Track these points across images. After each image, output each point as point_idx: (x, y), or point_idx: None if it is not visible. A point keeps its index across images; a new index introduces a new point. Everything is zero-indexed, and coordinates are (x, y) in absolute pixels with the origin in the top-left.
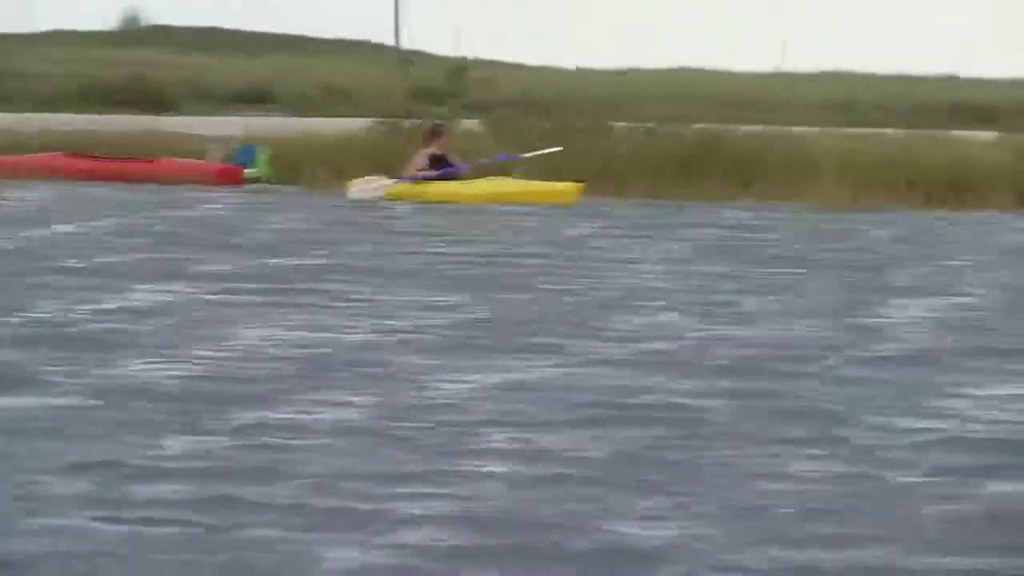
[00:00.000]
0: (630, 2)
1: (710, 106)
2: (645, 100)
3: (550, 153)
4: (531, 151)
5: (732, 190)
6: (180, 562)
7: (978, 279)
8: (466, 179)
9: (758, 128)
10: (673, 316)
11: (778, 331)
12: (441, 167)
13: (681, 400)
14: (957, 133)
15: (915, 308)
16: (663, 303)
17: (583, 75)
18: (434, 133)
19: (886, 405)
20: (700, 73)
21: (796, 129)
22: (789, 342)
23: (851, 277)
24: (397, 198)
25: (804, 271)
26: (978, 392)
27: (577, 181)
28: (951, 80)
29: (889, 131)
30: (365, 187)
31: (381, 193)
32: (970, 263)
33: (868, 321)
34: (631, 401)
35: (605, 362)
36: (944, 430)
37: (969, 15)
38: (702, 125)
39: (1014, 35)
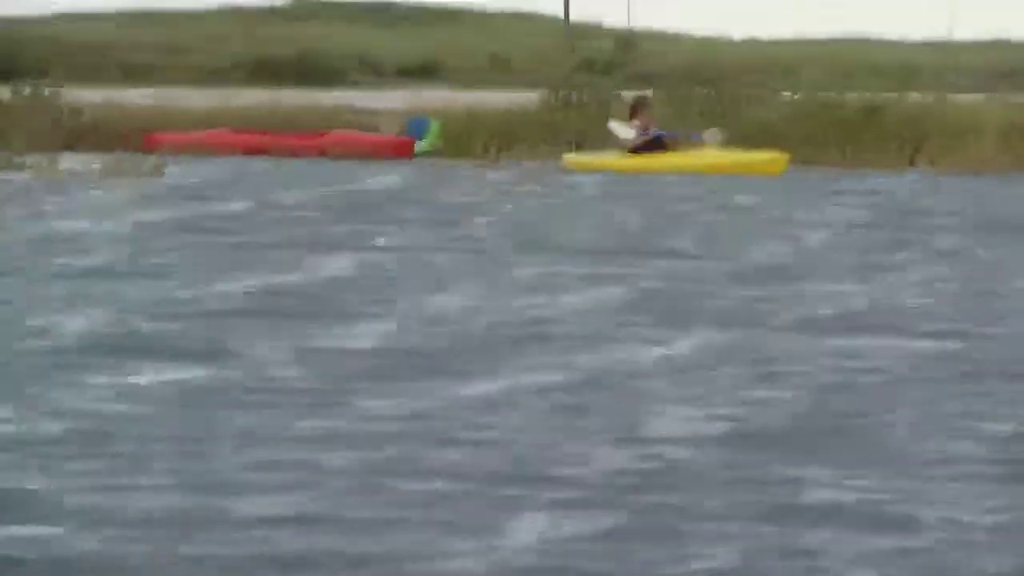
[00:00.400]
0: None
1: (876, 75)
2: (812, 68)
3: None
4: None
5: (896, 158)
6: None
7: None
8: (674, 151)
9: (923, 96)
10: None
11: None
12: (647, 140)
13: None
14: None
15: None
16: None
17: (749, 45)
18: (636, 106)
19: None
20: (867, 42)
21: (962, 97)
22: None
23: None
24: (601, 168)
25: (969, 237)
26: None
27: (782, 151)
28: None
29: None
30: (620, 131)
31: (631, 136)
32: None
33: None
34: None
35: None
36: None
37: None
38: (867, 93)
39: None
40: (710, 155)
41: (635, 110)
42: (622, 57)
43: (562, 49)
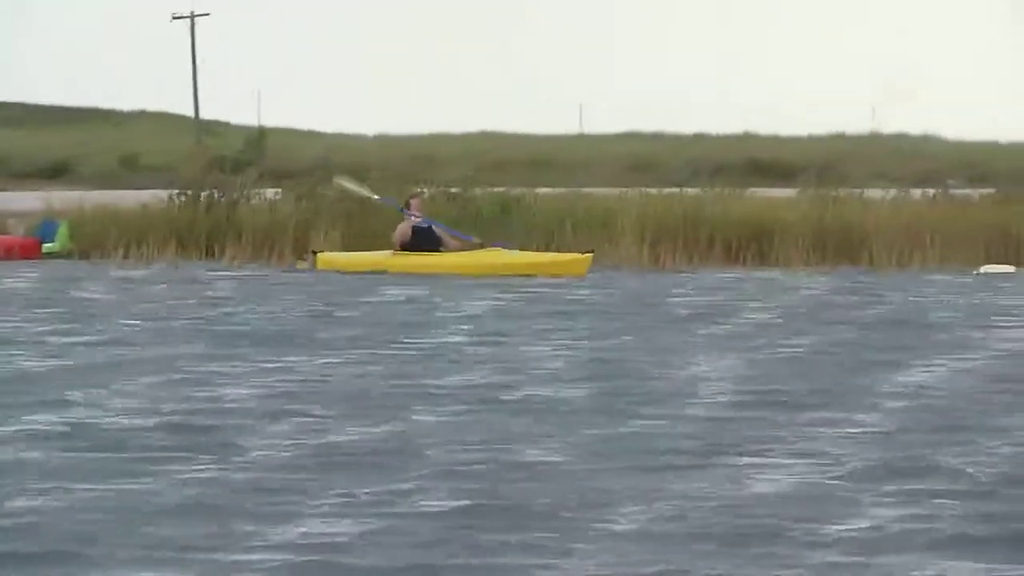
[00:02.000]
0: (429, 69)
1: (512, 169)
2: (447, 164)
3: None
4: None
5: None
6: None
7: (779, 334)
8: (454, 250)
9: (559, 190)
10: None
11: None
12: (426, 237)
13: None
14: (755, 191)
15: (727, 360)
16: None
17: (382, 141)
18: (408, 202)
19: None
20: (501, 136)
21: (597, 190)
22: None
23: (659, 331)
24: (383, 270)
25: (616, 324)
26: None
27: (586, 252)
28: (748, 138)
29: (688, 190)
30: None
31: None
32: (772, 318)
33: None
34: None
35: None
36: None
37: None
38: (502, 188)
39: (808, 93)
40: (509, 254)
41: (408, 207)
42: (252, 154)
43: (193, 147)
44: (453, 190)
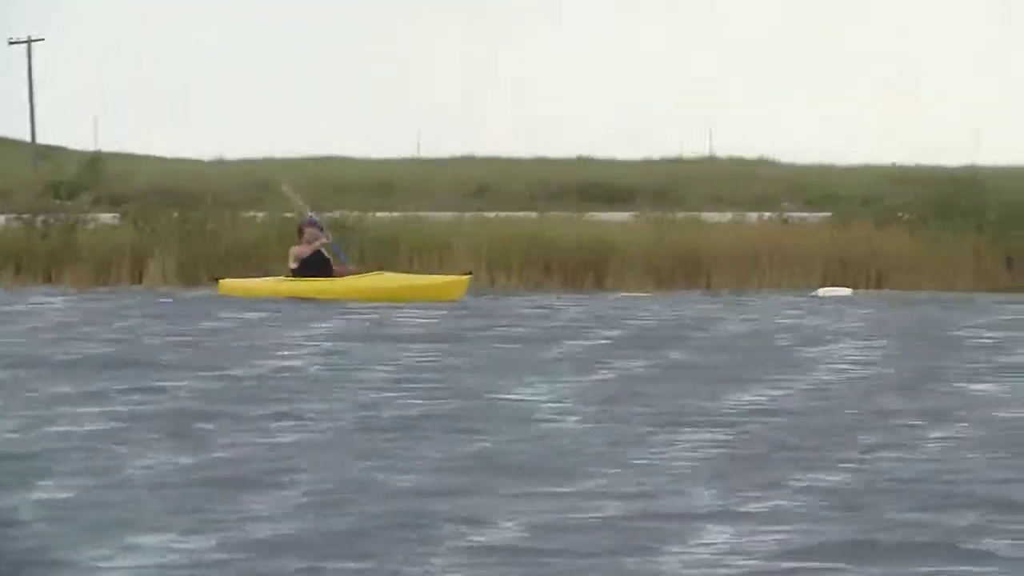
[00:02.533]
0: (267, 93)
1: (351, 193)
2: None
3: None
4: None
5: None
6: None
7: (616, 358)
8: (347, 274)
9: (394, 215)
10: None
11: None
12: (319, 262)
13: None
14: (593, 215)
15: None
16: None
17: (220, 166)
18: (301, 229)
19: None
20: (340, 161)
21: (435, 214)
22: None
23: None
24: (272, 295)
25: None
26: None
27: (464, 273)
28: (585, 161)
29: (526, 214)
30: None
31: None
32: (607, 341)
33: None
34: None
35: None
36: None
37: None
38: (338, 212)
39: (641, 118)
40: (387, 278)
41: (300, 232)
42: (88, 179)
43: (29, 172)
44: (288, 215)
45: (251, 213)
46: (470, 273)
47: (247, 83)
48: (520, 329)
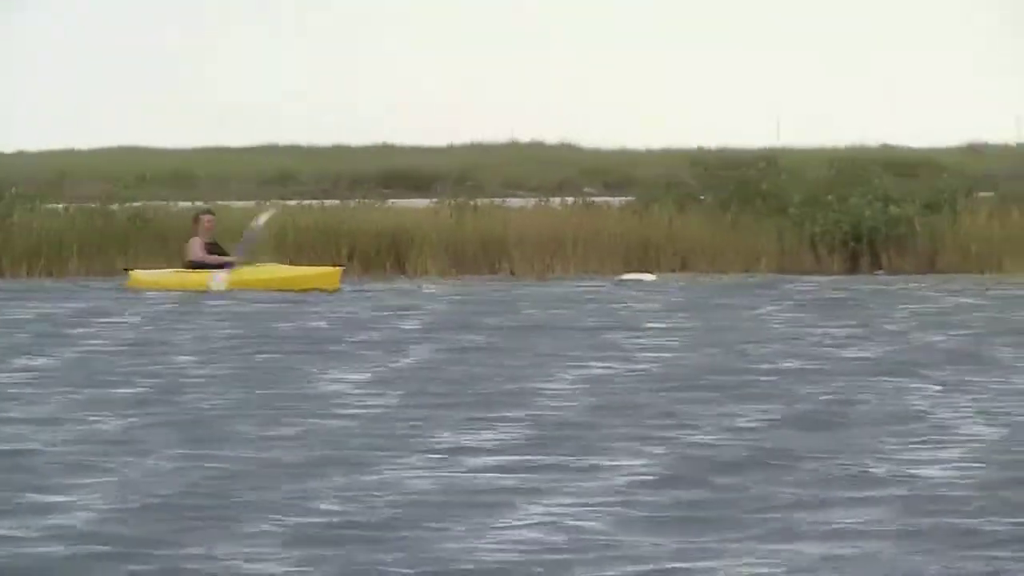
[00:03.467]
0: (67, 85)
1: (153, 183)
2: (85, 179)
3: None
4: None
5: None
6: None
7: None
8: (240, 265)
9: (196, 204)
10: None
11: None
12: (214, 254)
13: None
14: (394, 201)
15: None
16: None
17: (22, 157)
18: (196, 220)
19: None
20: (142, 151)
21: (235, 203)
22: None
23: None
24: (147, 287)
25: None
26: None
27: (336, 265)
28: (386, 148)
29: (326, 202)
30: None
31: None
32: (407, 328)
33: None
34: None
35: None
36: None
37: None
38: (138, 203)
39: (450, 104)
40: (264, 269)
41: (195, 224)
42: None
43: None
44: (91, 206)
45: (53, 204)
46: (342, 266)
47: (47, 74)
48: (319, 321)
